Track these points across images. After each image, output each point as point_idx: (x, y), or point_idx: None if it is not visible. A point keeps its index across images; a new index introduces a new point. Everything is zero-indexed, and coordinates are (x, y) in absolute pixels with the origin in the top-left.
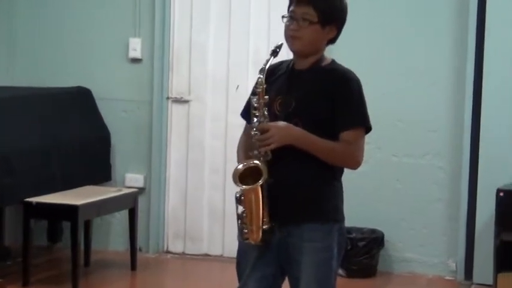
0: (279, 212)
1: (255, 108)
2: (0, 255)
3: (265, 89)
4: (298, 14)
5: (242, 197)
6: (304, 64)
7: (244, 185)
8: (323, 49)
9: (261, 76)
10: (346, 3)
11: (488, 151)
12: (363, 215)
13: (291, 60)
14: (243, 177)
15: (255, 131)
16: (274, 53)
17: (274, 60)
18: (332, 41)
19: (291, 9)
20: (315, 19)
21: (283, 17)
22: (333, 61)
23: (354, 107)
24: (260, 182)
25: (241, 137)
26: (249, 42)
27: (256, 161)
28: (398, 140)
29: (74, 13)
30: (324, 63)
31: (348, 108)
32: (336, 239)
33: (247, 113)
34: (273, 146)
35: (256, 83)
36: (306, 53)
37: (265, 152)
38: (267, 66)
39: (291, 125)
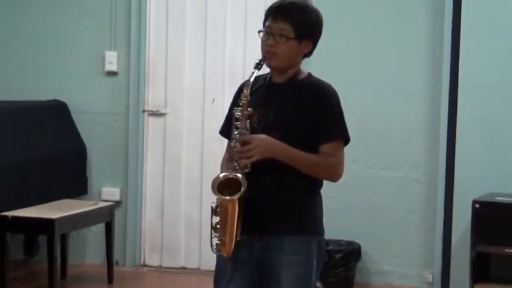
0: (259, 224)
1: (237, 120)
2: None
3: (249, 101)
4: (275, 30)
5: (218, 208)
6: (281, 78)
7: (222, 195)
8: (299, 63)
9: (246, 89)
10: (321, 17)
11: (464, 162)
12: (340, 227)
13: (268, 73)
14: (221, 187)
15: (236, 142)
16: (258, 65)
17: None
18: (307, 55)
19: (267, 24)
20: (292, 35)
21: (259, 31)
22: (310, 74)
23: (334, 120)
24: (239, 194)
25: (224, 156)
26: (224, 56)
27: (237, 174)
28: (374, 152)
29: (49, 26)
30: (301, 77)
31: (327, 122)
32: (315, 252)
33: (226, 130)
34: (254, 159)
35: (241, 95)
36: (283, 68)
37: (245, 165)
38: (252, 79)
39: (271, 138)
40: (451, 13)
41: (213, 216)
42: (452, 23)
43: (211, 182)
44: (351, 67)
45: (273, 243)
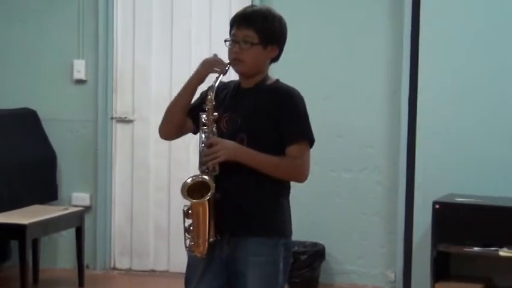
0: (226, 226)
1: (204, 125)
2: None
3: (214, 106)
4: (240, 37)
5: (190, 211)
6: (249, 83)
7: (192, 198)
8: (267, 68)
9: (211, 94)
10: (285, 22)
11: (424, 165)
12: (304, 228)
13: (238, 79)
14: (190, 191)
15: (203, 146)
16: (223, 71)
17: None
18: (275, 59)
19: (232, 32)
20: (256, 40)
21: (225, 40)
22: (277, 80)
23: (299, 122)
24: (208, 196)
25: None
26: (190, 63)
27: (204, 176)
28: (337, 155)
29: (18, 35)
30: (268, 82)
31: (292, 124)
32: (282, 254)
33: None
34: (220, 159)
35: (206, 101)
36: (250, 74)
37: (213, 167)
38: (216, 84)
39: (235, 142)
40: (410, 22)
41: (185, 219)
42: (411, 27)
43: (180, 187)
44: (313, 73)
45: (241, 245)
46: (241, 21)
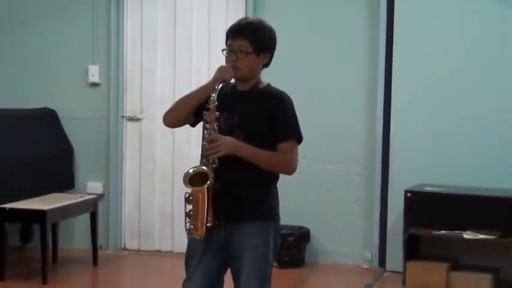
0: (224, 212)
1: (207, 122)
2: None
3: (216, 106)
4: (236, 47)
5: (190, 197)
6: (245, 86)
7: (193, 186)
8: (259, 73)
9: (213, 95)
10: (274, 32)
11: (397, 158)
12: (292, 214)
13: (234, 82)
14: (191, 180)
15: (205, 141)
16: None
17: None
18: (266, 65)
19: (228, 43)
20: (250, 50)
21: (223, 50)
22: (269, 84)
23: (289, 122)
24: (207, 184)
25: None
26: (191, 67)
27: (203, 167)
28: (321, 150)
29: (41, 44)
30: (261, 86)
31: (283, 124)
32: (272, 236)
33: None
34: (220, 154)
35: (209, 101)
36: (246, 79)
37: (213, 160)
38: (219, 87)
39: (234, 139)
40: (385, 37)
41: (186, 205)
42: (386, 37)
43: (183, 176)
44: (300, 79)
45: (236, 229)
46: (237, 32)
